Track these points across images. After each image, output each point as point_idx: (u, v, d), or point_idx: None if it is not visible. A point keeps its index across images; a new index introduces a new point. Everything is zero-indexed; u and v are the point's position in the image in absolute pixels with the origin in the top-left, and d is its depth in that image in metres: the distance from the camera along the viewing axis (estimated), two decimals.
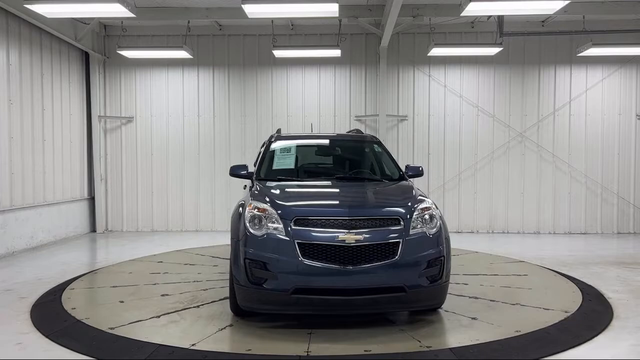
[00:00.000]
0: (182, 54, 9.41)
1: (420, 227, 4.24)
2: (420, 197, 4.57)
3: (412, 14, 9.11)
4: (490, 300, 5.15)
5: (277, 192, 4.66)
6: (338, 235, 3.99)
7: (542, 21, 9.85)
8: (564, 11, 8.34)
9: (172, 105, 10.45)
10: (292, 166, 5.48)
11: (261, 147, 7.03)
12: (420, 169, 5.57)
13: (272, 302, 4.06)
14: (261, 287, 4.01)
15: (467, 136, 10.26)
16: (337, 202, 4.64)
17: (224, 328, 4.31)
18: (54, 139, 9.14)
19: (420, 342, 4.03)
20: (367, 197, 4.76)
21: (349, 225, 4.05)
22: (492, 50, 9.40)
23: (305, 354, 3.78)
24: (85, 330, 4.27)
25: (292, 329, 4.33)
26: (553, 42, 10.06)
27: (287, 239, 4.03)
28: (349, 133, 6.75)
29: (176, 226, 10.46)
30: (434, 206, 4.48)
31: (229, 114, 10.40)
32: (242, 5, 6.84)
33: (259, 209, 4.25)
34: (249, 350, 3.84)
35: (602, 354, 3.85)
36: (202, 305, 4.96)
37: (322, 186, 5.11)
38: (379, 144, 6.02)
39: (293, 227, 4.06)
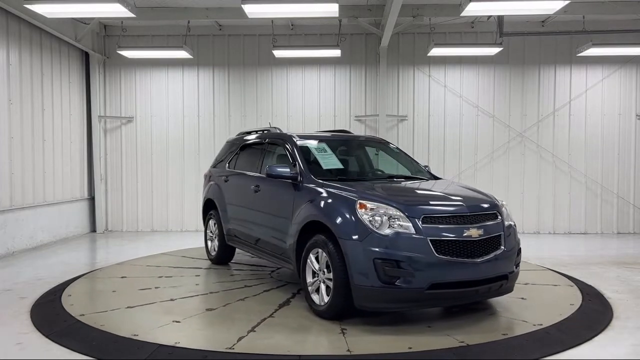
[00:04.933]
0: (182, 54, 9.41)
1: (506, 220, 4.66)
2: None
3: (412, 14, 9.11)
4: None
5: (383, 191, 4.68)
6: (464, 231, 4.22)
7: (542, 21, 9.86)
8: (564, 11, 8.35)
9: (172, 105, 10.45)
10: (340, 165, 5.47)
11: (240, 149, 6.64)
12: (428, 168, 6.05)
13: (404, 300, 4.11)
14: (393, 285, 4.02)
15: (467, 136, 10.26)
16: (452, 199, 4.71)
17: (342, 332, 4.15)
18: (54, 139, 9.14)
19: (526, 321, 4.43)
20: (464, 193, 4.95)
21: (468, 220, 4.32)
22: (492, 50, 9.40)
23: (465, 344, 3.92)
24: (86, 330, 4.25)
25: (405, 325, 4.37)
26: (553, 42, 10.06)
27: (420, 236, 4.10)
28: (337, 132, 6.64)
29: (176, 226, 10.46)
30: None
31: (229, 114, 10.40)
32: (242, 5, 6.85)
33: (372, 208, 4.24)
34: (410, 348, 3.83)
35: (602, 354, 3.85)
36: (273, 314, 4.65)
37: (405, 183, 5.30)
38: (391, 144, 6.39)
39: (423, 225, 4.15)
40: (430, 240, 4.10)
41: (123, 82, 10.47)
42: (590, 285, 5.82)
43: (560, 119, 10.21)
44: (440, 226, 4.20)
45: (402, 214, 4.18)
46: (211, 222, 7.01)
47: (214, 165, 7.31)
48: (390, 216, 4.18)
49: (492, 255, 4.30)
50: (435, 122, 10.28)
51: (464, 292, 4.22)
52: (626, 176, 10.21)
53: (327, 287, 4.46)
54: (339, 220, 4.33)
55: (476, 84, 10.27)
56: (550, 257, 7.61)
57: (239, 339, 4.00)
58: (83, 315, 4.59)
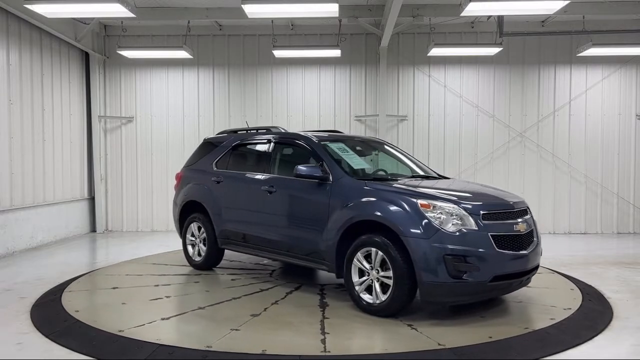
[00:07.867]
0: (182, 54, 9.42)
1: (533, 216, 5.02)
2: None
3: (412, 14, 9.12)
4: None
5: (435, 190, 4.81)
6: (514, 226, 4.53)
7: (542, 21, 9.86)
8: (564, 11, 8.35)
9: (172, 105, 10.46)
10: (366, 165, 5.64)
11: (232, 149, 6.33)
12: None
13: (468, 293, 4.34)
14: (461, 279, 4.21)
15: (467, 136, 10.26)
16: (496, 196, 4.93)
17: (414, 328, 4.25)
18: (54, 139, 9.14)
19: (556, 306, 4.86)
20: (496, 191, 5.15)
21: (515, 216, 4.64)
22: (492, 50, 9.40)
23: (530, 329, 4.24)
24: (85, 330, 4.25)
25: (462, 317, 4.56)
26: (553, 42, 10.07)
27: (482, 232, 4.32)
28: (331, 133, 6.43)
29: None
30: None
31: (229, 114, 10.40)
32: (242, 5, 6.85)
33: (434, 206, 4.37)
34: (490, 337, 4.03)
35: (602, 354, 3.85)
36: (325, 315, 4.61)
37: (436, 182, 5.43)
38: (387, 145, 6.51)
39: (483, 222, 4.36)
40: (491, 235, 4.31)
41: (123, 82, 10.48)
42: (590, 285, 5.82)
43: (560, 119, 10.21)
44: (497, 222, 4.45)
45: (464, 212, 4.35)
46: (193, 226, 6.55)
47: (190, 165, 6.83)
48: (452, 213, 4.33)
49: (532, 247, 4.63)
50: (435, 122, 10.28)
51: (513, 283, 4.54)
52: (626, 176, 10.21)
53: (382, 284, 4.53)
54: (402, 219, 4.40)
55: (476, 84, 10.27)
56: (550, 257, 7.59)
57: (323, 342, 3.93)
58: (122, 330, 4.17)
